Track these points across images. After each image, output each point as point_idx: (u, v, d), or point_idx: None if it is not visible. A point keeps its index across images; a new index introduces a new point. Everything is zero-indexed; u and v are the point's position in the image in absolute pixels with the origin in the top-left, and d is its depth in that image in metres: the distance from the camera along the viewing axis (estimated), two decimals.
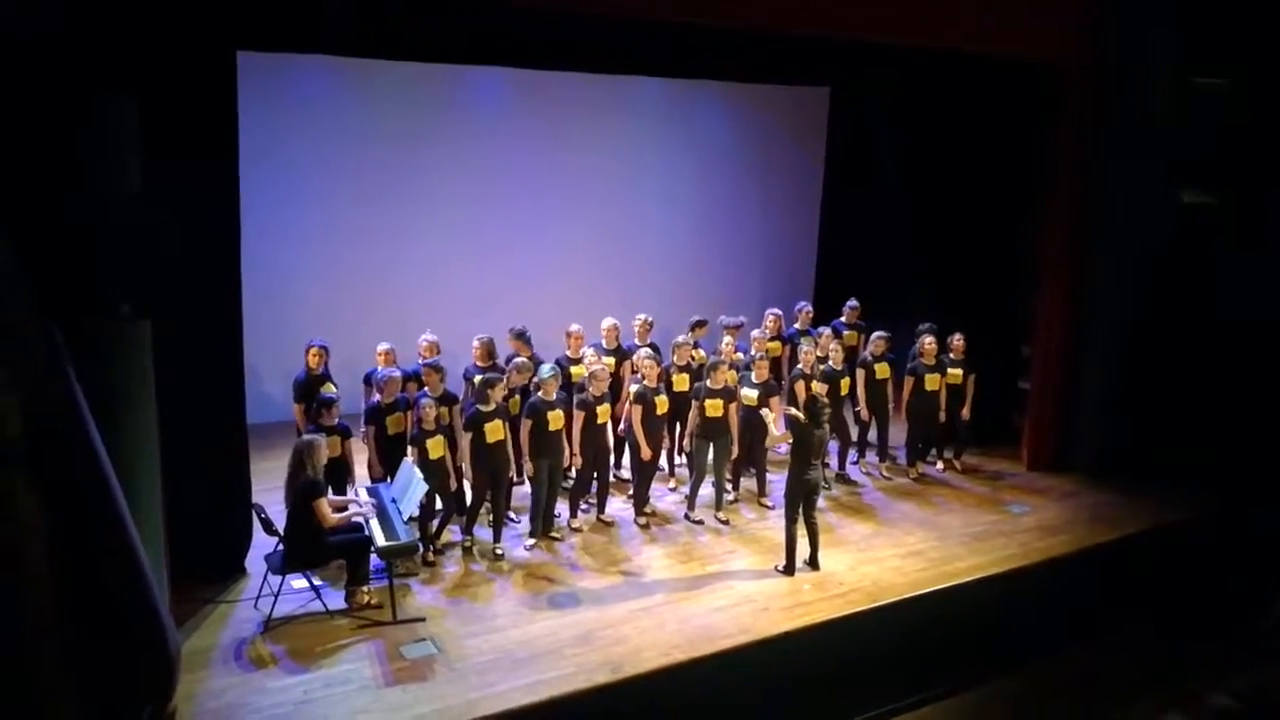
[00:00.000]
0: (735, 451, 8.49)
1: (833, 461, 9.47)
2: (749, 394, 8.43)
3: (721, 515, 8.53)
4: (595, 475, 8.27)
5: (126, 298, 5.24)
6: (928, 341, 9.39)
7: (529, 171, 11.20)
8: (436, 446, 7.34)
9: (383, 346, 7.94)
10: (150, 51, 5.61)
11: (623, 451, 8.84)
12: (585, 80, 10.69)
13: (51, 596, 2.22)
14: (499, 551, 7.74)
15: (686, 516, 8.48)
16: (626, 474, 8.85)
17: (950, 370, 9.38)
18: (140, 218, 5.24)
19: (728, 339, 9.15)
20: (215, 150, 6.58)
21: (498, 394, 7.50)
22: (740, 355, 9.07)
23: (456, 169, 10.81)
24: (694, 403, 8.31)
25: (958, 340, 9.46)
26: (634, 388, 8.22)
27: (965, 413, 9.51)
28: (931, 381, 9.36)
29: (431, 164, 10.65)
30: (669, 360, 8.72)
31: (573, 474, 8.19)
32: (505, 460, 7.62)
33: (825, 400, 7.73)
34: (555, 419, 7.60)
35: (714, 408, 8.18)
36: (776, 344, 9.62)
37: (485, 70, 10.32)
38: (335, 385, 7.83)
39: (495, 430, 7.44)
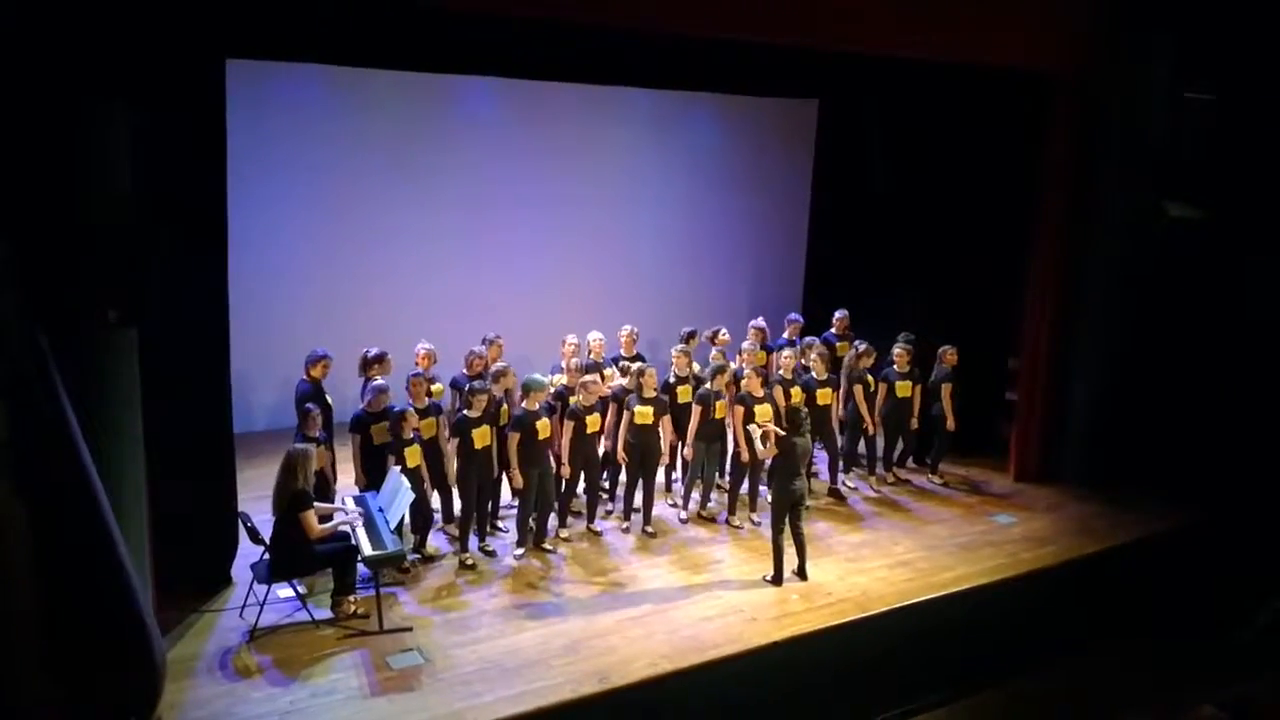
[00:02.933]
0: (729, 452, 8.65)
1: (823, 473, 9.50)
2: (763, 409, 8.29)
3: (705, 513, 8.64)
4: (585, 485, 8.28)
5: (114, 304, 5.22)
6: (899, 350, 9.47)
7: (519, 180, 11.21)
8: (414, 455, 7.33)
9: (424, 347, 8.03)
10: (141, 57, 5.59)
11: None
12: (576, 90, 10.73)
13: (36, 604, 2.20)
14: (488, 548, 7.77)
15: (681, 520, 8.57)
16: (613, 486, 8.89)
17: (897, 382, 9.42)
18: (129, 223, 5.23)
19: (717, 350, 9.18)
20: (205, 157, 6.57)
21: (482, 400, 7.50)
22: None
23: (446, 177, 10.80)
24: (696, 407, 8.32)
25: (946, 352, 9.53)
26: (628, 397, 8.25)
27: (913, 423, 9.60)
28: (902, 389, 9.43)
29: (422, 172, 10.65)
30: (669, 373, 8.75)
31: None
32: (491, 466, 7.63)
33: (805, 409, 7.77)
34: (543, 428, 7.59)
35: (720, 409, 8.35)
36: (761, 354, 9.59)
37: (476, 79, 10.33)
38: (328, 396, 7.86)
39: (482, 436, 7.46)
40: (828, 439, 9.21)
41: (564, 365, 8.54)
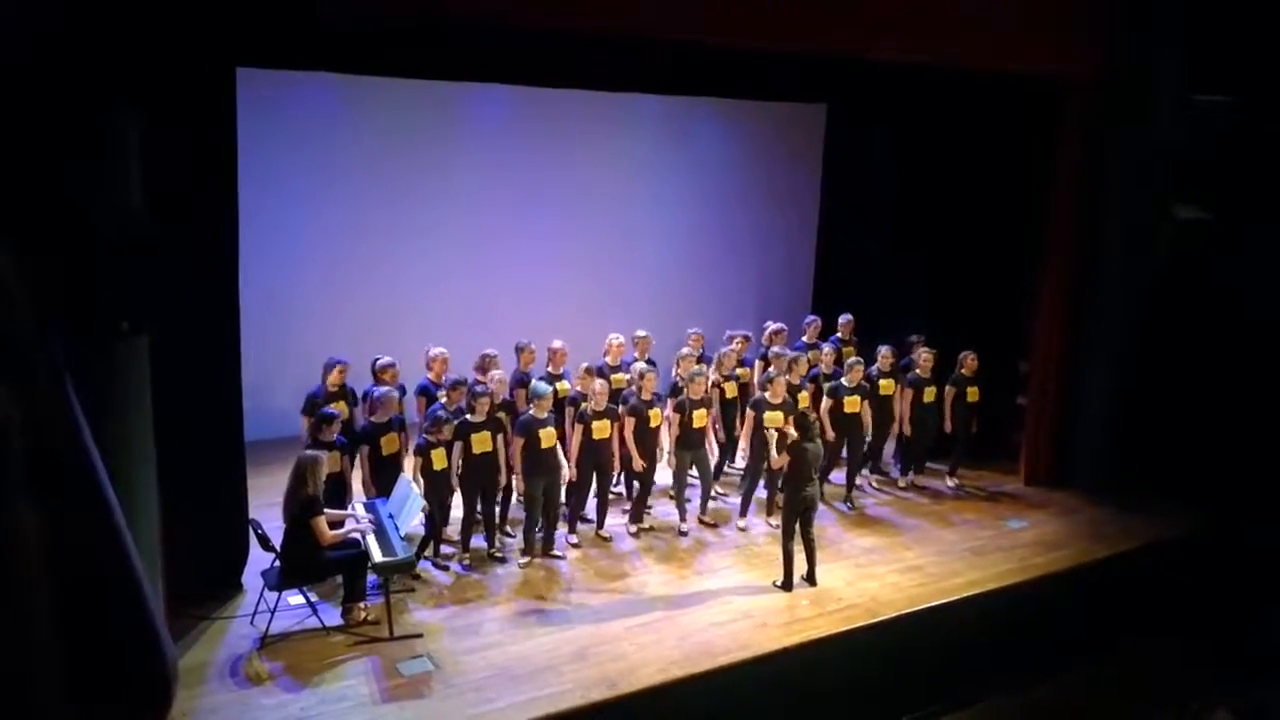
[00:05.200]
0: (716, 457, 8.70)
1: (839, 476, 9.46)
2: (774, 416, 8.22)
3: (707, 518, 8.63)
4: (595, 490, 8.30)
5: (125, 313, 5.24)
6: (924, 354, 9.48)
7: (529, 187, 11.24)
8: (440, 458, 7.36)
9: (384, 360, 7.97)
10: (151, 67, 5.62)
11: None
12: (585, 97, 10.74)
13: (49, 612, 2.21)
14: (497, 554, 7.77)
15: (680, 531, 8.50)
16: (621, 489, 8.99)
17: (926, 387, 9.45)
18: (140, 233, 5.25)
19: (728, 349, 9.20)
20: (215, 165, 6.59)
21: (484, 406, 7.51)
22: (746, 369, 9.21)
23: (457, 184, 10.84)
24: (677, 415, 8.30)
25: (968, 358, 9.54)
26: (630, 401, 8.27)
27: (946, 425, 9.59)
28: (929, 393, 9.46)
29: (432, 179, 10.68)
30: (674, 375, 8.76)
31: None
32: (494, 471, 7.62)
33: (814, 415, 7.75)
34: (548, 436, 7.55)
35: (699, 418, 8.29)
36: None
37: (485, 86, 10.36)
38: (355, 402, 7.89)
39: (482, 441, 7.46)
40: (854, 445, 9.19)
41: (550, 371, 8.59)
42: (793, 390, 8.71)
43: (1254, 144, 9.33)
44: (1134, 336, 9.69)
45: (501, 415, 7.78)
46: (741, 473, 9.06)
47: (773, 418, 8.21)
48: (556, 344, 8.80)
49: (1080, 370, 9.89)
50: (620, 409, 8.20)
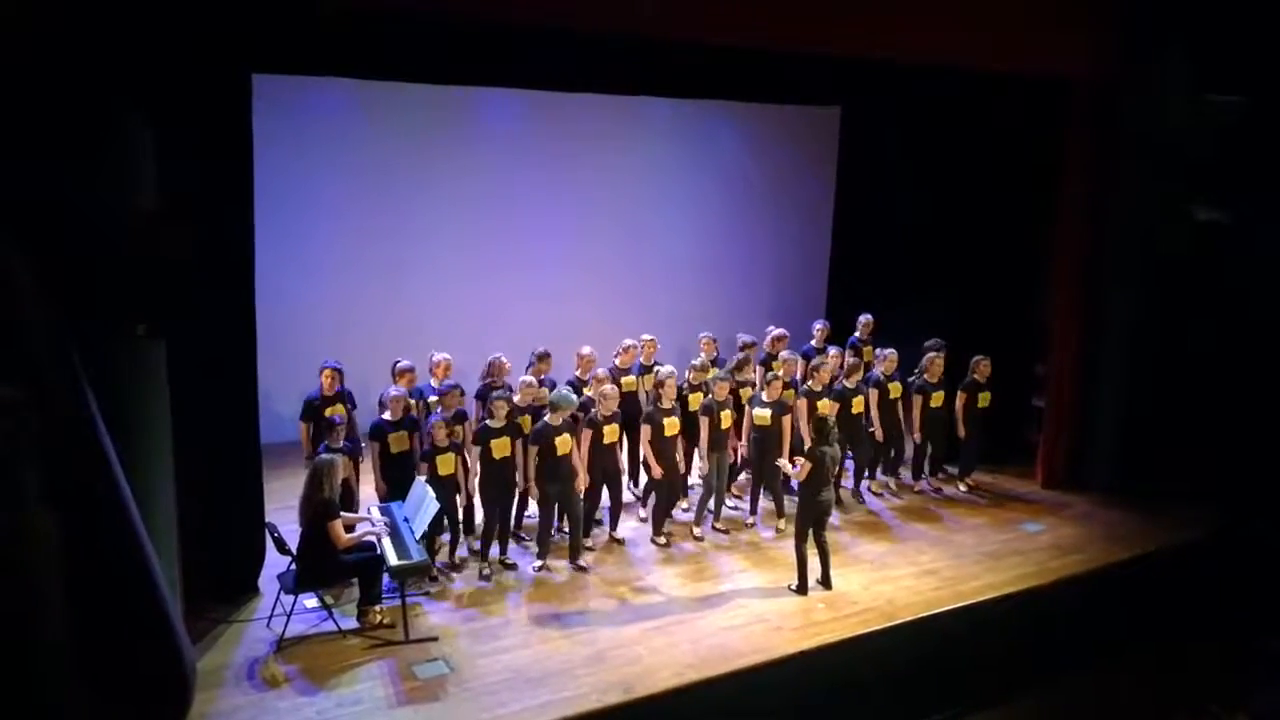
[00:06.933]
0: (731, 459, 8.64)
1: (847, 481, 9.43)
2: (761, 413, 8.40)
3: (720, 525, 8.58)
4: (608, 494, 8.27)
5: (142, 318, 5.27)
6: (932, 359, 9.42)
7: (542, 191, 11.26)
8: (446, 463, 7.36)
9: (404, 364, 7.98)
10: (168, 73, 5.66)
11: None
12: (597, 101, 10.75)
13: (67, 614, 2.22)
14: (507, 562, 7.75)
15: (694, 535, 8.48)
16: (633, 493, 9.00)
17: (933, 393, 9.40)
18: (156, 238, 5.28)
19: (744, 355, 9.18)
20: (230, 171, 6.63)
21: (503, 410, 7.49)
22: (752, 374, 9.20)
23: (470, 189, 10.86)
24: (704, 418, 8.30)
25: (982, 362, 9.48)
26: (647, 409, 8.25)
27: (960, 430, 9.53)
28: (935, 399, 9.39)
29: (445, 184, 10.71)
30: (681, 380, 8.73)
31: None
32: (512, 476, 7.61)
33: (832, 419, 7.74)
34: (563, 444, 7.49)
35: (724, 419, 8.29)
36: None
37: (498, 91, 10.39)
38: (354, 405, 7.90)
39: (502, 447, 7.46)
40: (858, 447, 9.15)
41: (578, 376, 8.58)
42: (814, 397, 8.74)
43: (1267, 144, 9.27)
44: (1150, 337, 9.63)
45: (521, 420, 7.76)
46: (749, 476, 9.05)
47: (761, 415, 8.34)
48: (585, 350, 8.77)
49: (1097, 372, 9.83)
50: (643, 416, 8.20)
